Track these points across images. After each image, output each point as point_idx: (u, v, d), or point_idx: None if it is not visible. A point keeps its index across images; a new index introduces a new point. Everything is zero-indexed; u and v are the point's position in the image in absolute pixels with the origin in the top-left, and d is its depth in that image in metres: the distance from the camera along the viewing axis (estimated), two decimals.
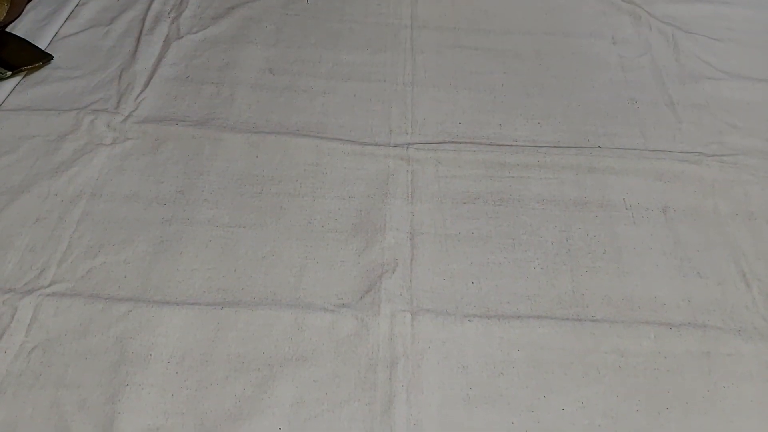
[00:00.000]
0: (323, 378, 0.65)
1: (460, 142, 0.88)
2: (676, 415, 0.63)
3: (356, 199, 0.82)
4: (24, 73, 0.95)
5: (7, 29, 1.02)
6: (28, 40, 0.99)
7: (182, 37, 1.04)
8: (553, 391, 0.65)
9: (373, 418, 0.63)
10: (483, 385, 0.65)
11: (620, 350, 0.68)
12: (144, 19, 1.06)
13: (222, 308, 0.70)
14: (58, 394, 0.64)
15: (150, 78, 0.97)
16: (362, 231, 0.79)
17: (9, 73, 0.93)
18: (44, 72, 0.97)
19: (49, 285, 0.72)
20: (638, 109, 0.94)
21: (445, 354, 0.67)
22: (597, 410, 0.64)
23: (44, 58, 0.97)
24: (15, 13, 1.04)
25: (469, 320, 0.70)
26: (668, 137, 0.90)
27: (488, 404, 0.64)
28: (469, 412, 0.63)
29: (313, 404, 0.63)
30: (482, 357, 0.67)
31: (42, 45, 1.00)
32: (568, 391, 0.65)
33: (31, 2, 1.07)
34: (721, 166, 0.87)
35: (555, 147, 0.88)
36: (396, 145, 0.88)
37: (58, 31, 1.04)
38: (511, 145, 0.88)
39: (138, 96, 0.94)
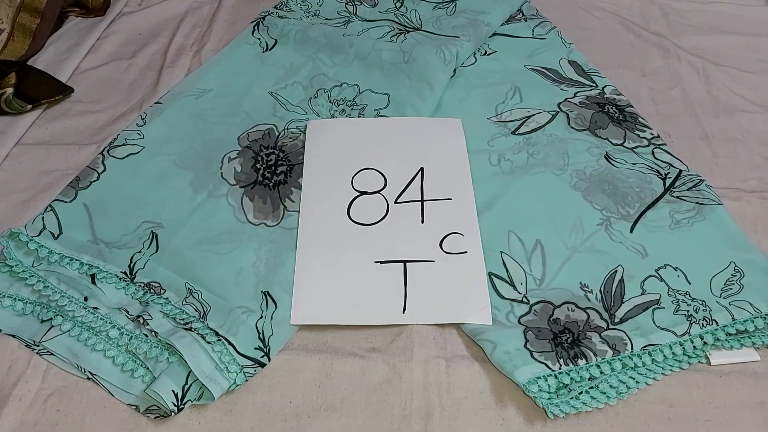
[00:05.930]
0: (354, 430, 0.62)
1: None
2: None
3: None
4: (44, 106, 0.94)
5: (28, 62, 1.01)
6: (48, 73, 0.98)
7: None
8: None
9: None
10: None
11: (669, 400, 0.64)
12: (166, 53, 1.04)
13: None
14: None
15: None
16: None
17: (29, 106, 0.92)
18: (64, 105, 0.95)
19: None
20: (673, 143, 0.91)
21: (483, 404, 0.63)
22: None
23: (64, 91, 0.96)
24: (36, 47, 1.03)
25: None
26: (705, 172, 0.86)
27: None
28: None
29: None
30: (522, 407, 0.63)
31: (63, 78, 0.99)
32: None
33: (52, 36, 1.07)
34: (762, 202, 0.83)
35: None
36: None
37: (79, 64, 1.02)
38: None
39: None
